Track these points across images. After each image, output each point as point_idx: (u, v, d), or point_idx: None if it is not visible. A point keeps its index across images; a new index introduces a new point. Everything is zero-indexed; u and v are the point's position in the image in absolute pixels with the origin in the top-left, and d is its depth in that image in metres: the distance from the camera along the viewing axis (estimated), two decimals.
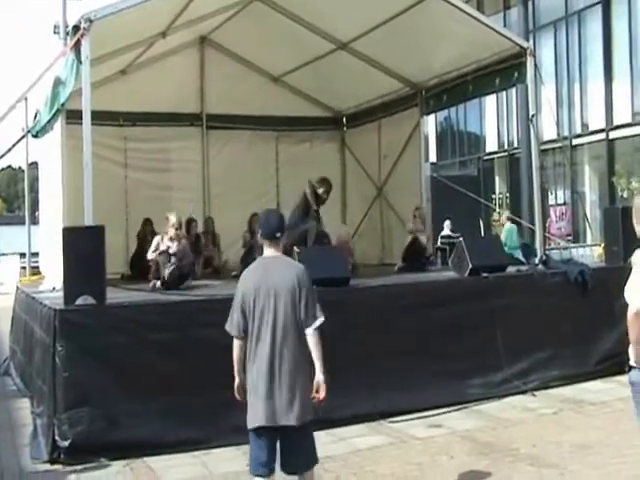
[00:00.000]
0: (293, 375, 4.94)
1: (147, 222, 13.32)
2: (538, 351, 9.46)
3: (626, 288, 4.42)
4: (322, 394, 5.00)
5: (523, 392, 9.14)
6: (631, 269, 4.52)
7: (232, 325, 5.11)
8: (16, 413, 8.99)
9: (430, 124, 29.82)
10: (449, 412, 8.46)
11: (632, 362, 4.52)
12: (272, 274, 5.02)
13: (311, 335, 5.00)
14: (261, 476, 4.93)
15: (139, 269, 12.20)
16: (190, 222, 13.01)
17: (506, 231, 17.65)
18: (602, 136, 23.52)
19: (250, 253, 12.45)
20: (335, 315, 8.26)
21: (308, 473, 5.04)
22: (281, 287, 4.97)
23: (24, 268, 15.95)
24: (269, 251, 5.14)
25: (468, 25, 11.20)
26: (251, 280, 5.06)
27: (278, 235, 5.12)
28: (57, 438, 7.07)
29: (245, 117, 15.36)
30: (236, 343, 5.12)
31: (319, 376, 5.01)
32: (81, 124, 8.45)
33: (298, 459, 5.00)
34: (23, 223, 14.93)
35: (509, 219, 18.29)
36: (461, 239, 10.35)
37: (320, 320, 5.04)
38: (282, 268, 5.10)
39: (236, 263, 13.13)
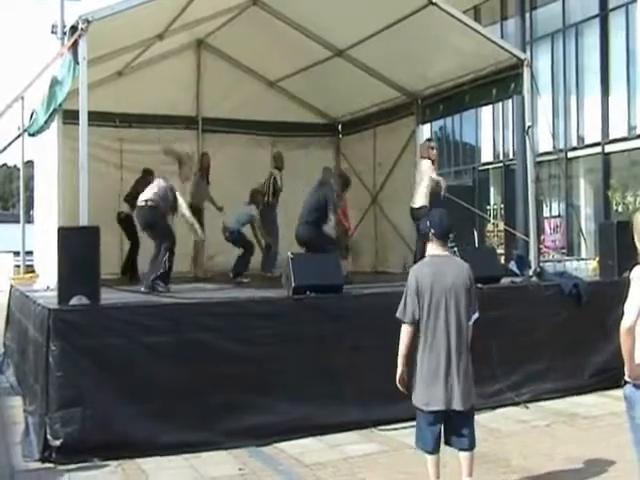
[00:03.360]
0: (465, 364, 5.49)
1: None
2: (532, 363, 9.44)
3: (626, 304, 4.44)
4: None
5: (516, 404, 9.12)
6: (629, 284, 4.50)
7: (405, 313, 5.52)
8: (8, 411, 8.95)
9: (426, 133, 29.80)
10: None
11: (626, 377, 4.52)
12: (447, 272, 5.51)
13: (470, 326, 5.60)
14: (431, 453, 5.54)
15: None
16: None
17: None
18: (598, 149, 23.57)
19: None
20: (328, 322, 8.32)
21: (471, 453, 5.58)
22: (457, 285, 5.49)
23: (18, 266, 15.91)
24: (439, 250, 5.62)
25: (465, 35, 11.23)
26: (427, 275, 5.49)
27: (450, 236, 5.66)
28: (49, 437, 7.04)
29: (241, 121, 15.37)
30: (406, 329, 5.54)
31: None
32: (77, 124, 8.43)
33: (466, 438, 5.54)
34: (18, 221, 14.91)
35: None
36: (455, 249, 10.32)
37: (477, 315, 5.63)
38: (455, 267, 5.61)
39: (226, 264, 13.18)
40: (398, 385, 5.59)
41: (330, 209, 10.78)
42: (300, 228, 10.85)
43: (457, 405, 5.42)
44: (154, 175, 12.03)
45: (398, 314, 5.55)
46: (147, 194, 10.32)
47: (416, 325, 5.49)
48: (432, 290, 5.43)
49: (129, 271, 13.07)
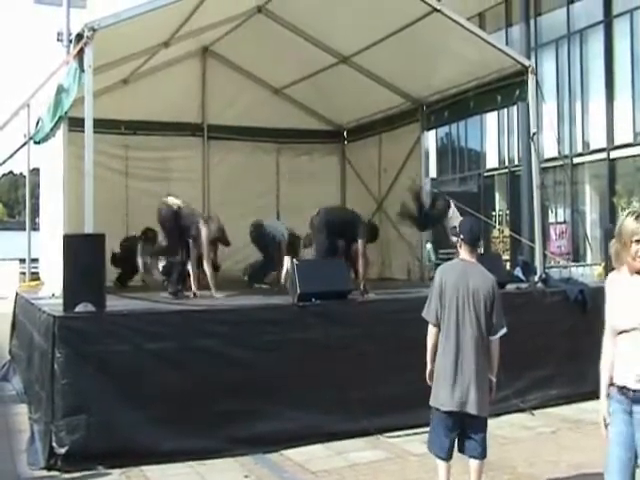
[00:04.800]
0: (482, 372, 5.57)
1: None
2: (537, 369, 9.43)
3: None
4: (493, 394, 5.77)
5: (521, 410, 9.11)
6: None
7: (430, 313, 5.66)
8: (14, 418, 8.96)
9: (431, 139, 29.81)
10: None
11: None
12: (472, 277, 5.61)
13: (495, 341, 5.72)
14: (443, 459, 5.55)
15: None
16: None
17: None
18: (603, 155, 23.53)
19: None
20: (334, 328, 8.32)
21: (482, 462, 5.63)
22: (481, 291, 5.58)
23: (23, 274, 15.94)
24: (468, 256, 5.72)
25: (470, 42, 11.22)
26: (452, 276, 5.62)
27: (479, 243, 5.92)
28: (54, 445, 7.05)
29: (246, 128, 15.37)
30: (432, 330, 5.66)
31: (492, 378, 5.74)
32: (83, 132, 8.42)
33: (479, 445, 5.58)
34: (23, 229, 14.93)
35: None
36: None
37: (504, 330, 5.76)
38: (480, 275, 5.68)
39: (232, 271, 13.18)
40: (428, 382, 5.69)
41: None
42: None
43: (472, 409, 5.49)
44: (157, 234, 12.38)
45: (424, 314, 5.71)
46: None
47: (439, 324, 5.62)
48: (452, 292, 5.56)
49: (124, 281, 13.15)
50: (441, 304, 5.59)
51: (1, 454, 7.59)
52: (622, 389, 4.27)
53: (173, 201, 10.63)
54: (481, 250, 10.83)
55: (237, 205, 14.60)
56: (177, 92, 14.54)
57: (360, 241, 10.57)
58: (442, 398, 5.53)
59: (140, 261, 12.07)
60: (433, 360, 5.66)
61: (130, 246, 12.89)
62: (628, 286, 4.30)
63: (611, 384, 4.38)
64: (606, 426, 4.37)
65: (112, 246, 12.37)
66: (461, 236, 5.73)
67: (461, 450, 5.65)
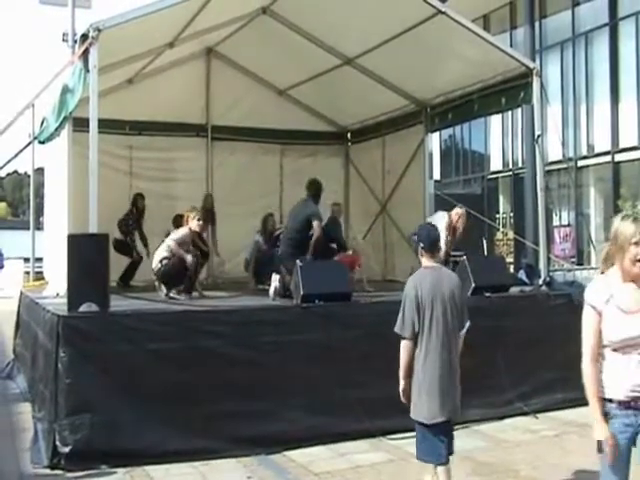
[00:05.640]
0: (458, 375, 5.56)
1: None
2: (541, 373, 9.41)
3: None
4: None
5: (525, 414, 9.10)
6: None
7: (406, 328, 5.43)
8: (17, 417, 8.99)
9: (434, 141, 29.82)
10: None
11: None
12: (444, 283, 5.55)
13: (461, 337, 5.68)
14: (444, 464, 5.44)
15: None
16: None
17: None
18: (608, 158, 23.51)
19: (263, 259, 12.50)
20: (337, 330, 8.32)
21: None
22: (455, 294, 5.55)
23: (28, 273, 15.96)
24: (431, 262, 5.65)
25: (475, 44, 11.22)
26: (426, 286, 5.46)
27: (438, 248, 5.79)
28: (58, 444, 7.08)
29: (250, 129, 15.38)
30: (407, 345, 5.44)
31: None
32: (88, 132, 8.45)
33: (452, 443, 5.55)
34: (28, 228, 14.94)
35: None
36: (464, 258, 10.31)
37: (469, 323, 5.72)
38: (448, 278, 5.67)
39: (237, 271, 13.19)
40: (402, 399, 5.52)
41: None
42: None
43: (457, 415, 5.54)
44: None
45: (397, 329, 5.45)
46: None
47: (415, 338, 5.41)
48: (430, 302, 5.41)
49: (126, 279, 13.15)
50: (419, 316, 5.37)
51: (5, 453, 7.61)
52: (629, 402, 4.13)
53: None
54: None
55: (240, 206, 14.62)
56: (181, 93, 14.55)
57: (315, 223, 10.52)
58: (433, 412, 5.37)
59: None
60: (409, 376, 5.47)
61: (127, 224, 13.12)
62: (624, 294, 4.15)
63: (608, 401, 4.23)
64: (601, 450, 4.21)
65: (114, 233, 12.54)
66: (421, 244, 5.66)
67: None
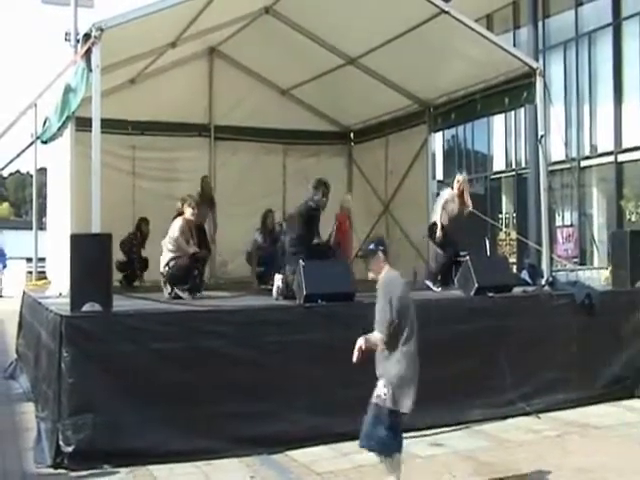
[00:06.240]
0: None
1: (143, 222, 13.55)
2: (543, 373, 9.39)
3: None
4: None
5: (527, 414, 9.07)
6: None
7: (384, 327, 5.78)
8: (20, 417, 8.99)
9: (437, 141, 29.77)
10: (451, 431, 8.41)
11: None
12: (406, 285, 6.08)
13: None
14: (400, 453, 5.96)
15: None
16: None
17: None
18: (611, 159, 23.44)
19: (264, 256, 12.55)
20: (340, 330, 8.30)
21: None
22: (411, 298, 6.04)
23: (30, 273, 15.99)
24: (388, 266, 6.05)
25: (478, 44, 11.22)
26: (398, 289, 5.90)
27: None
28: (61, 443, 7.08)
29: (252, 129, 15.42)
30: (382, 339, 5.82)
31: None
32: (90, 131, 8.46)
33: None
34: (30, 228, 14.98)
35: None
36: (467, 258, 10.30)
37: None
38: (405, 280, 6.12)
39: (239, 271, 13.18)
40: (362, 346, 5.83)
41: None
42: None
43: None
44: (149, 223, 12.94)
45: (380, 328, 5.80)
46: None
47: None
48: (405, 303, 5.86)
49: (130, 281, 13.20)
50: (399, 317, 5.77)
51: (8, 452, 7.61)
52: None
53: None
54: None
55: (243, 206, 14.63)
56: (184, 92, 14.56)
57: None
58: (408, 403, 5.80)
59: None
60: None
61: (130, 246, 13.09)
62: None
63: None
64: None
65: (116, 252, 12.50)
66: (381, 248, 6.06)
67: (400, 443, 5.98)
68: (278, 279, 10.03)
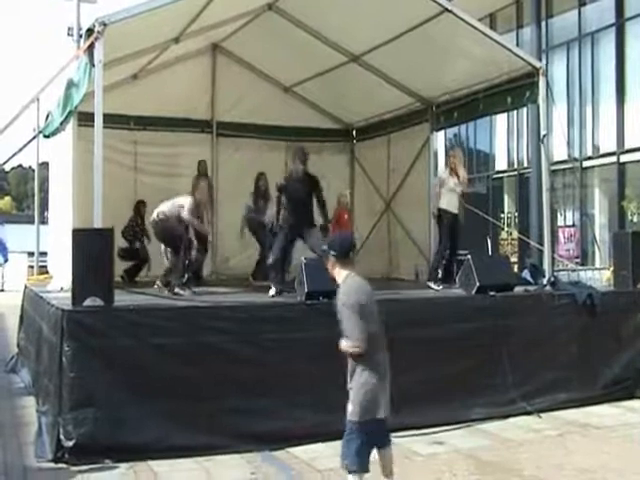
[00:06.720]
0: None
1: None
2: (545, 373, 9.39)
3: None
4: None
5: (528, 413, 9.06)
6: None
7: (358, 337, 5.40)
8: (21, 411, 8.99)
9: (440, 140, 29.74)
10: (452, 430, 8.41)
11: None
12: (368, 287, 5.60)
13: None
14: (367, 471, 5.61)
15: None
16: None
17: None
18: (613, 159, 23.44)
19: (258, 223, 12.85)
20: (340, 328, 8.29)
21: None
22: (374, 299, 5.60)
23: (32, 267, 15.99)
24: (349, 269, 5.58)
25: (481, 43, 11.20)
26: (363, 293, 5.51)
27: (351, 255, 5.65)
28: (62, 438, 7.08)
29: (255, 126, 15.38)
30: (359, 352, 5.46)
31: None
32: (92, 126, 8.43)
33: (389, 435, 5.77)
34: (32, 222, 14.97)
35: None
36: (469, 257, 10.29)
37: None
38: (367, 284, 5.62)
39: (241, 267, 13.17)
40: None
41: None
42: None
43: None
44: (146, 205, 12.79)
45: (355, 341, 5.40)
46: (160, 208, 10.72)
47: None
48: (370, 308, 5.49)
49: (131, 276, 13.17)
50: (367, 323, 5.39)
51: (9, 446, 7.61)
52: None
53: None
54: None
55: (244, 201, 14.59)
56: (187, 88, 14.55)
57: None
58: (380, 407, 5.50)
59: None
60: None
61: (133, 233, 13.12)
62: None
63: None
64: None
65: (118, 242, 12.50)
66: (332, 252, 5.60)
67: (381, 446, 5.72)
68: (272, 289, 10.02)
